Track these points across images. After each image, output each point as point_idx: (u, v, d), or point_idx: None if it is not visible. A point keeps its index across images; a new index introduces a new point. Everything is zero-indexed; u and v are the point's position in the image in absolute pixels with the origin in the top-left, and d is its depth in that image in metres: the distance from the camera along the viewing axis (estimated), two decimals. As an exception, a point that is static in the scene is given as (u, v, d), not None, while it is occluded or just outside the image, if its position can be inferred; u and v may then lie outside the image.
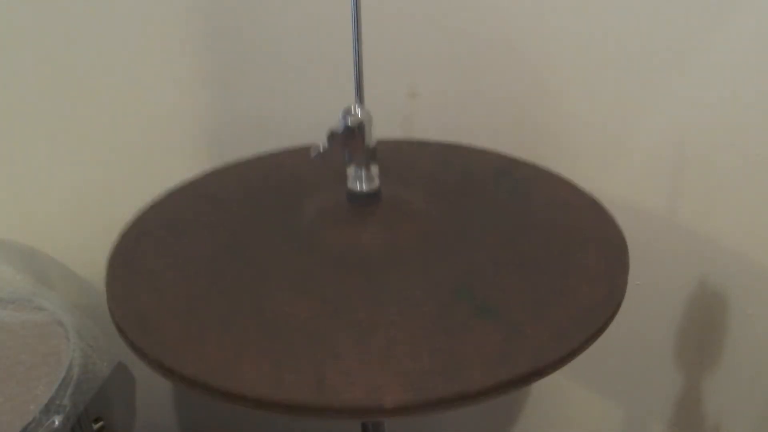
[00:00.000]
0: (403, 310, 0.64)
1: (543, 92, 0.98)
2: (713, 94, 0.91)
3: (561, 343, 0.59)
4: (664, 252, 1.02)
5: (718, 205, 0.97)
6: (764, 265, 0.97)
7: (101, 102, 0.96)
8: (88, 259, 1.00)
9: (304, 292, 0.67)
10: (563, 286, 0.67)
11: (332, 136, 0.73)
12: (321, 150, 0.73)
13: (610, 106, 0.97)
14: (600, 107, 0.97)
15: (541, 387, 1.20)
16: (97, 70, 0.95)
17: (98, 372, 0.79)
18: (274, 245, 0.76)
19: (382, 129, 0.80)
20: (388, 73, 0.97)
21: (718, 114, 0.92)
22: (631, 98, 0.95)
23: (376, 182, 0.79)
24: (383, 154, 0.79)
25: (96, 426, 0.88)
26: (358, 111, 0.74)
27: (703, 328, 1.05)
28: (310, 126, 0.80)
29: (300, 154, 0.91)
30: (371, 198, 0.79)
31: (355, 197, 0.79)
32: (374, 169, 0.79)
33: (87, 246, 1.00)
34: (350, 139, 0.74)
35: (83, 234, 1.01)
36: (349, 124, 0.74)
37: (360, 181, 0.78)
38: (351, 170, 0.79)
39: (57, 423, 0.70)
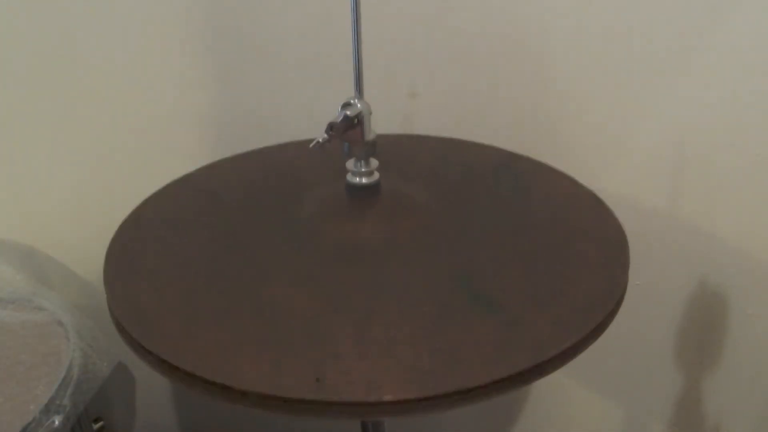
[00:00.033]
0: (402, 305, 0.64)
1: (543, 92, 0.98)
2: (713, 93, 0.91)
3: (562, 340, 0.59)
4: (664, 252, 1.02)
5: (718, 205, 0.97)
6: (764, 265, 0.96)
7: (101, 102, 0.96)
8: (88, 259, 1.00)
9: (303, 286, 0.67)
10: (564, 280, 0.67)
11: (331, 128, 0.72)
12: (320, 141, 0.73)
13: (610, 105, 0.97)
14: (600, 107, 0.97)
15: (541, 387, 1.20)
16: (97, 70, 0.95)
17: (98, 372, 0.79)
18: (273, 239, 0.76)
19: (382, 128, 0.80)
20: (388, 73, 0.97)
21: (718, 114, 0.92)
22: (632, 98, 0.95)
23: (376, 176, 0.79)
24: (383, 147, 0.79)
25: (96, 426, 0.88)
26: (358, 103, 0.74)
27: (703, 328, 1.05)
28: (310, 126, 0.80)
29: (298, 148, 0.91)
30: (370, 191, 0.79)
31: (354, 190, 0.79)
32: (373, 163, 0.79)
33: (87, 246, 1.00)
34: (349, 131, 0.74)
35: (83, 234, 1.00)
36: (349, 114, 0.74)
37: (359, 174, 0.78)
38: (350, 163, 0.79)
39: (57, 423, 0.70)
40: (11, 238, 0.98)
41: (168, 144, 1.01)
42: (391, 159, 0.84)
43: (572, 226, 0.76)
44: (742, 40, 0.87)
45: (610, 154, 1.00)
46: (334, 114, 0.75)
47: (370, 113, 0.75)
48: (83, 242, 1.00)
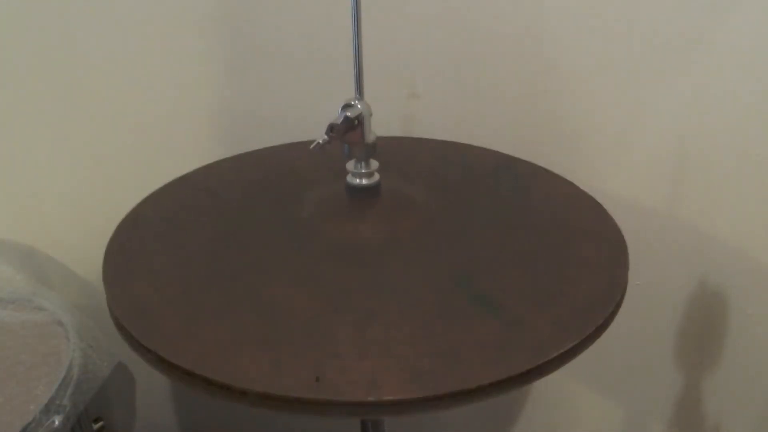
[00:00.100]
0: (402, 305, 0.64)
1: (543, 92, 0.98)
2: (713, 94, 0.91)
3: (562, 340, 0.59)
4: (664, 252, 1.02)
5: (718, 205, 0.97)
6: (764, 265, 0.96)
7: (101, 102, 0.96)
8: (88, 259, 1.00)
9: (303, 285, 0.67)
10: (563, 281, 0.67)
11: (332, 130, 0.72)
12: (321, 142, 0.73)
13: (611, 105, 0.97)
14: (600, 107, 0.97)
15: (540, 386, 1.20)
16: (97, 70, 0.94)
17: (98, 372, 0.79)
18: (273, 238, 0.76)
19: (382, 129, 0.80)
20: (388, 73, 0.97)
21: (718, 114, 0.92)
22: (632, 98, 0.95)
23: (376, 177, 0.79)
24: (383, 149, 0.79)
25: (96, 426, 0.88)
26: (358, 104, 0.74)
27: (703, 328, 1.05)
28: (310, 126, 0.80)
29: (299, 148, 0.91)
30: (370, 192, 0.79)
31: (354, 191, 0.79)
32: (374, 164, 0.79)
33: (87, 246, 1.00)
34: (350, 132, 0.74)
35: (83, 234, 1.00)
36: (349, 116, 0.74)
37: (359, 175, 0.78)
38: (350, 164, 0.79)
39: (57, 423, 0.70)
40: (11, 238, 0.98)
41: (168, 144, 1.01)
42: (391, 159, 0.84)
43: (572, 227, 0.76)
44: (743, 40, 0.87)
45: (610, 154, 1.00)
46: (335, 114, 0.75)
47: (371, 114, 0.75)
48: (83, 242, 1.00)
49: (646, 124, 0.96)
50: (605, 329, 0.62)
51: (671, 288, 1.04)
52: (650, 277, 1.03)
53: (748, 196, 0.94)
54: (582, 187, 0.84)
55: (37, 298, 0.86)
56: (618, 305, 0.64)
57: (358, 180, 0.79)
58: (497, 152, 0.92)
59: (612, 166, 1.00)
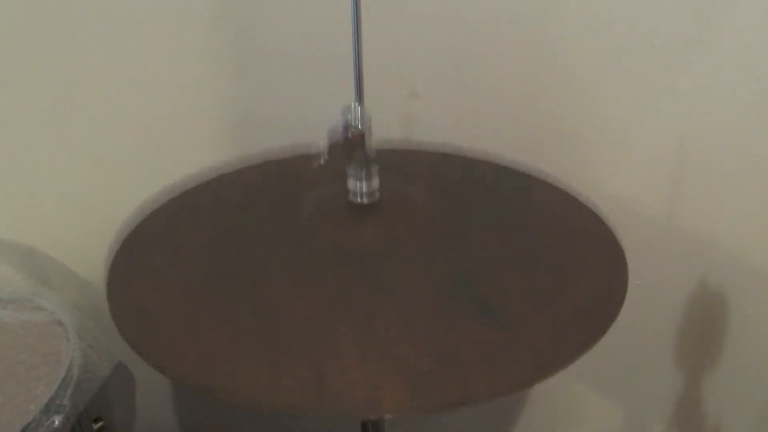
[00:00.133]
0: (402, 306, 0.64)
1: (543, 92, 0.98)
2: (714, 94, 0.91)
3: (561, 344, 0.59)
4: (664, 252, 1.02)
5: (719, 205, 0.97)
6: (764, 265, 0.96)
7: (101, 102, 0.96)
8: (88, 259, 1.00)
9: (302, 286, 0.67)
10: (562, 284, 0.67)
11: (332, 136, 0.73)
12: (322, 162, 0.73)
13: (611, 105, 0.97)
14: (600, 107, 0.97)
15: (540, 387, 1.20)
16: (97, 70, 0.94)
17: (98, 372, 0.79)
18: (274, 244, 0.76)
19: (382, 129, 0.80)
20: (388, 73, 0.97)
21: (718, 114, 0.92)
22: (632, 98, 0.95)
23: (376, 182, 0.79)
24: (384, 156, 0.79)
25: (96, 426, 0.88)
26: (358, 110, 0.74)
27: (703, 328, 1.05)
28: (310, 125, 0.80)
29: (300, 158, 0.91)
30: (371, 197, 0.79)
31: (355, 197, 0.79)
32: (374, 169, 0.79)
33: (87, 246, 1.00)
34: (350, 138, 0.74)
35: (83, 234, 1.00)
36: (349, 122, 0.74)
37: (360, 180, 0.79)
38: (351, 169, 0.79)
39: (57, 423, 0.70)
40: (11, 238, 0.98)
41: (168, 144, 1.01)
42: (391, 164, 0.84)
43: (570, 237, 0.77)
44: (743, 40, 0.87)
45: (610, 154, 1.00)
46: (335, 113, 0.75)
47: (371, 120, 0.76)
48: (83, 242, 1.00)
49: (646, 124, 0.96)
50: (604, 333, 0.62)
51: (671, 288, 1.04)
52: (650, 277, 1.03)
53: (748, 196, 0.94)
54: (582, 186, 0.84)
55: (37, 298, 0.86)
56: (618, 307, 0.64)
57: (358, 186, 0.79)
58: (495, 163, 0.92)
59: (612, 166, 1.00)
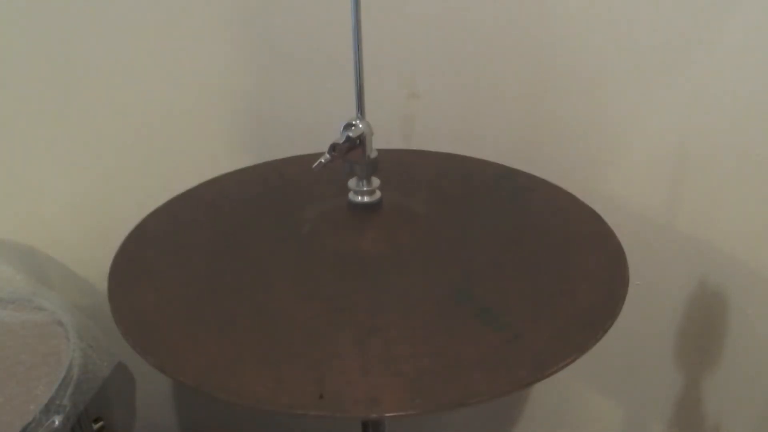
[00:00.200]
0: (403, 313, 0.64)
1: (543, 92, 0.98)
2: (714, 94, 0.91)
3: (562, 351, 0.59)
4: (664, 252, 1.02)
5: (719, 205, 0.97)
6: (764, 265, 0.96)
7: (101, 102, 0.96)
8: (88, 259, 1.00)
9: (305, 297, 0.67)
10: (563, 292, 0.67)
11: (334, 149, 0.73)
12: (323, 161, 0.73)
13: (611, 105, 0.97)
14: (601, 107, 0.97)
15: (541, 387, 1.20)
16: (97, 70, 0.94)
17: (98, 372, 0.79)
18: (274, 244, 0.76)
19: (382, 130, 0.80)
20: (388, 73, 0.97)
21: (718, 114, 0.92)
22: (632, 98, 0.95)
23: (378, 194, 0.80)
24: (384, 162, 0.80)
25: (96, 426, 0.88)
26: (360, 124, 0.75)
27: (703, 328, 1.05)
28: (310, 125, 0.80)
29: (301, 163, 0.91)
30: (371, 196, 0.80)
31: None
32: (375, 181, 0.80)
33: (87, 246, 1.00)
34: (351, 151, 0.75)
35: (83, 234, 1.00)
36: (351, 135, 0.75)
37: (361, 192, 0.79)
38: (352, 182, 0.80)
39: (57, 423, 0.70)
40: (11, 238, 0.98)
41: (168, 144, 1.01)
42: (392, 171, 0.84)
43: (571, 239, 0.77)
44: (743, 40, 0.87)
45: (610, 154, 1.00)
46: (335, 113, 0.75)
47: (372, 132, 0.76)
48: (83, 242, 1.00)
49: (646, 124, 0.96)
50: (604, 333, 0.62)
51: (671, 288, 1.04)
52: (650, 278, 1.03)
53: (748, 197, 0.94)
54: (582, 186, 0.84)
55: (37, 298, 0.86)
56: (618, 307, 0.64)
57: (359, 198, 0.79)
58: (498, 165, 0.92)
59: (612, 166, 1.00)
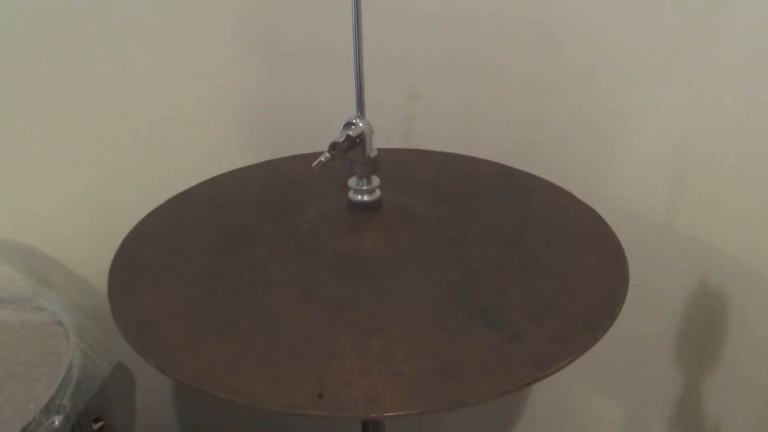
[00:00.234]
0: (403, 313, 0.64)
1: (543, 92, 0.98)
2: (714, 94, 0.91)
3: (562, 353, 0.59)
4: (664, 252, 1.02)
5: (719, 205, 0.97)
6: (764, 265, 0.96)
7: (102, 102, 0.96)
8: (88, 259, 1.00)
9: (305, 298, 0.67)
10: (563, 294, 0.67)
11: (334, 148, 0.73)
12: (323, 159, 0.73)
13: (611, 105, 0.97)
14: (601, 107, 0.97)
15: (540, 387, 1.20)
16: (98, 70, 0.94)
17: (98, 372, 0.79)
18: (274, 244, 0.76)
19: (382, 130, 0.80)
20: (388, 73, 0.97)
21: (718, 114, 0.92)
22: (632, 99, 0.95)
23: (378, 193, 0.80)
24: (384, 162, 0.80)
25: (96, 426, 0.88)
26: (360, 122, 0.75)
27: (703, 327, 1.05)
28: (310, 125, 0.80)
29: (301, 163, 0.91)
30: (371, 195, 0.79)
31: (356, 207, 0.80)
32: (375, 180, 0.79)
33: (87, 246, 1.00)
34: (351, 150, 0.75)
35: (83, 234, 1.00)
36: (351, 134, 0.74)
37: (361, 191, 0.79)
38: (352, 181, 0.80)
39: (57, 423, 0.70)
40: (11, 238, 0.98)
41: (168, 144, 1.01)
42: (392, 171, 0.84)
43: (571, 238, 0.77)
44: (743, 40, 0.87)
45: (610, 154, 1.00)
46: (335, 113, 0.75)
47: (372, 131, 0.76)
48: (83, 242, 1.00)
49: (646, 124, 0.96)
50: (604, 333, 0.62)
51: (671, 288, 1.04)
52: (650, 277, 1.03)
53: (748, 197, 0.94)
54: (582, 186, 0.84)
55: (37, 298, 0.86)
56: (618, 307, 0.64)
57: (360, 196, 0.79)
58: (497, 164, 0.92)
59: (612, 166, 1.00)
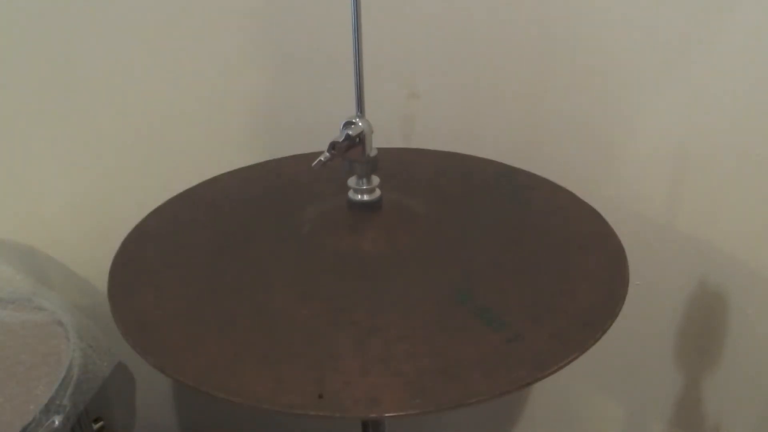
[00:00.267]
0: (403, 313, 0.64)
1: (544, 92, 0.98)
2: (714, 94, 0.91)
3: (560, 348, 0.59)
4: (664, 252, 1.02)
5: (719, 205, 0.97)
6: (764, 265, 0.96)
7: (102, 102, 0.96)
8: (88, 259, 1.00)
9: (305, 298, 0.67)
10: (563, 293, 0.67)
11: (333, 147, 0.73)
12: (323, 159, 0.73)
13: (611, 105, 0.97)
14: (601, 107, 0.97)
15: (540, 387, 1.20)
16: (98, 70, 0.94)
17: (98, 372, 0.79)
18: (274, 244, 0.76)
19: (382, 130, 0.80)
20: (388, 73, 0.97)
21: (718, 114, 0.92)
22: (632, 99, 0.95)
23: (377, 192, 0.80)
24: (384, 162, 0.80)
25: (96, 426, 0.88)
26: (359, 122, 0.75)
27: (703, 327, 1.05)
28: (310, 125, 0.80)
29: (300, 163, 0.91)
30: (371, 194, 0.79)
31: (356, 207, 0.80)
32: (375, 180, 0.79)
33: (87, 246, 1.00)
34: (351, 149, 0.75)
35: (83, 234, 1.00)
36: (351, 134, 0.74)
37: (361, 191, 0.79)
38: (352, 181, 0.80)
39: (57, 423, 0.70)
40: (11, 238, 0.98)
41: (168, 144, 1.01)
42: (392, 171, 0.84)
43: (571, 238, 0.77)
44: (743, 40, 0.87)
45: (610, 154, 1.00)
46: (335, 113, 0.75)
47: (371, 131, 0.76)
48: (83, 242, 1.00)
49: (646, 124, 0.96)
50: (604, 333, 0.62)
51: (671, 288, 1.04)
52: (650, 278, 1.03)
53: (748, 197, 0.94)
54: (582, 186, 0.84)
55: (37, 298, 0.86)
56: (618, 307, 0.64)
57: (359, 196, 0.79)
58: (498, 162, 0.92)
59: (612, 165, 1.00)
